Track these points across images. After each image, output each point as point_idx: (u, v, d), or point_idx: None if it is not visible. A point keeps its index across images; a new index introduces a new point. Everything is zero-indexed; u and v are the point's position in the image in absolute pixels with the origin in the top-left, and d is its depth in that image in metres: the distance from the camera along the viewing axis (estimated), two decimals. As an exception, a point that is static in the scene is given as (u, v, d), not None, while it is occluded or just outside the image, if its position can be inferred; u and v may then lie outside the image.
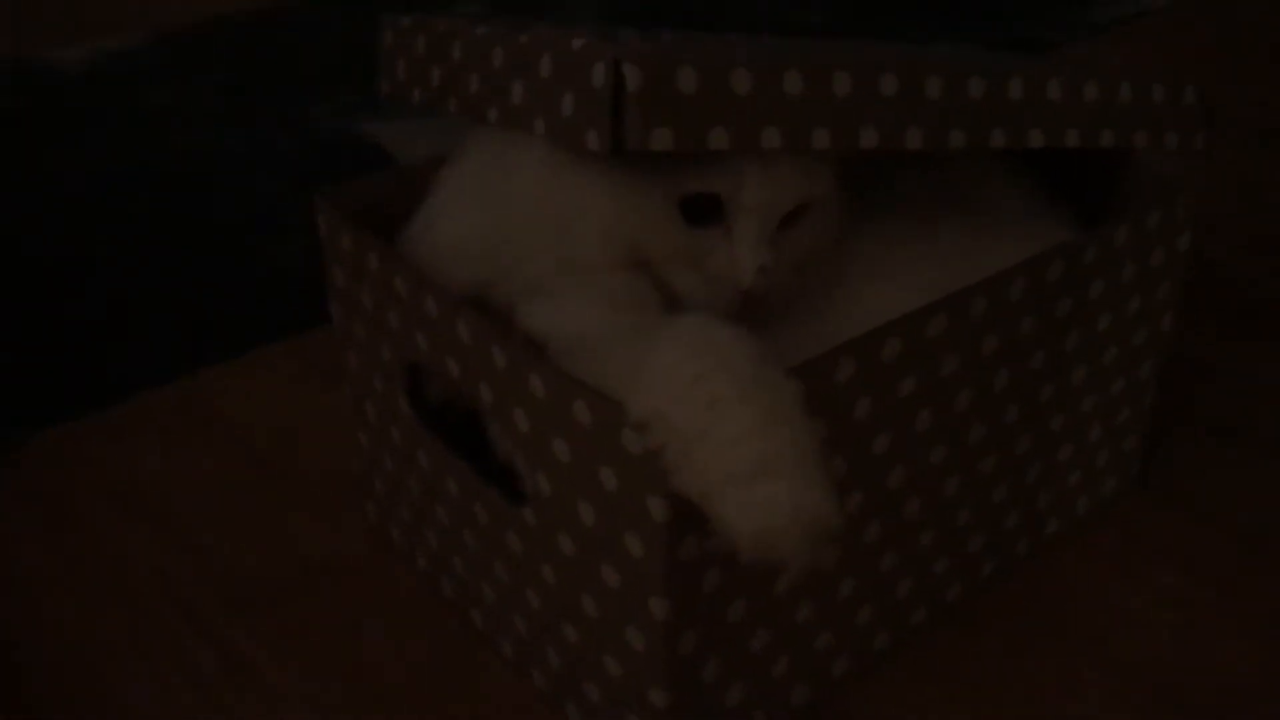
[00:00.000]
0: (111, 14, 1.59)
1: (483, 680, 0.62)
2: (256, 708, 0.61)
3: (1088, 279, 0.62)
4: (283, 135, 1.26)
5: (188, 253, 1.03)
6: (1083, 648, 0.64)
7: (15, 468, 0.78)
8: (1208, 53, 1.47)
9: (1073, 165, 0.72)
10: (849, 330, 0.52)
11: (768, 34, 1.29)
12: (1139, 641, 0.65)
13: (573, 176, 0.55)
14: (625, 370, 0.47)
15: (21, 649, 0.65)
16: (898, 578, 0.61)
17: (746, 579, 0.52)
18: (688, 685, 0.53)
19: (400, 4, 1.64)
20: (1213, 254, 1.01)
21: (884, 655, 0.63)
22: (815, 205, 0.57)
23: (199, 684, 0.62)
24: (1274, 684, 0.62)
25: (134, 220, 1.09)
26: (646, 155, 0.49)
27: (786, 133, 0.51)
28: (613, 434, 0.47)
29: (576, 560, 0.53)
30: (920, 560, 0.62)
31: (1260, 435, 0.80)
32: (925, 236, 0.63)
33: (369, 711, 0.61)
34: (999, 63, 0.65)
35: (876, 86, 0.53)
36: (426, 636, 0.65)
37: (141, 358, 0.89)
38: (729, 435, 0.44)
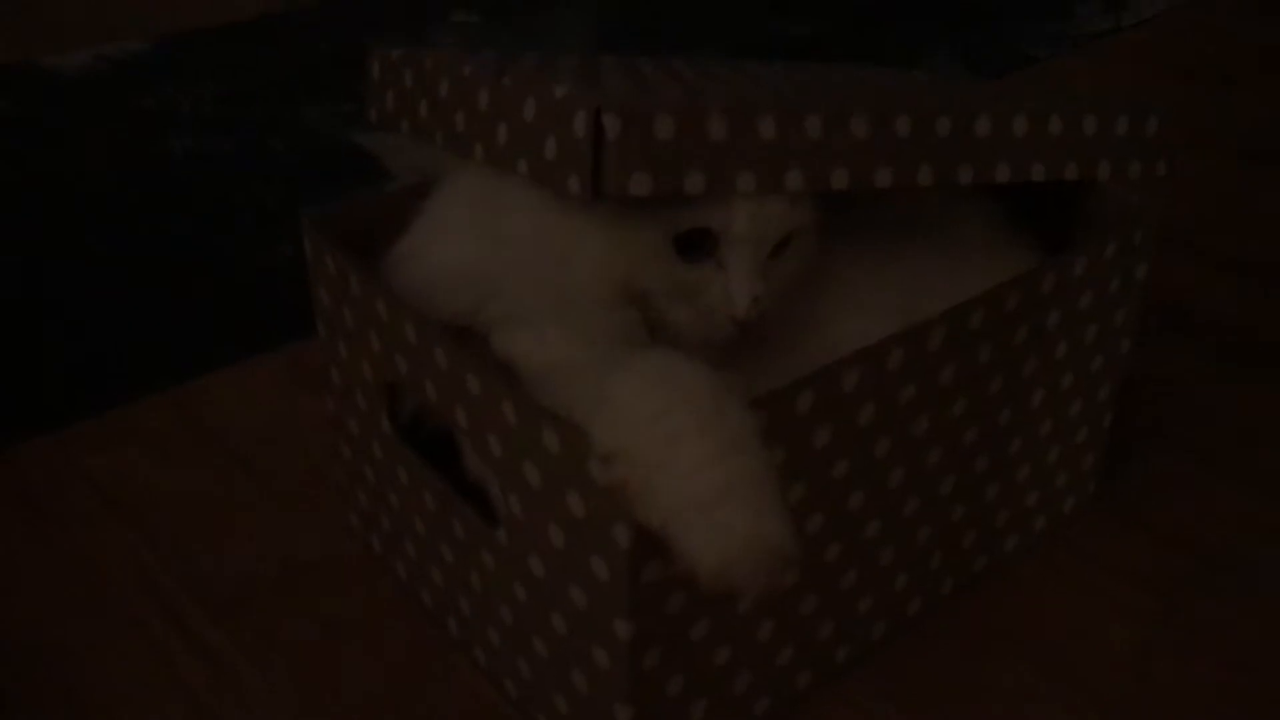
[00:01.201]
0: (111, 20, 1.60)
1: (458, 687, 0.65)
2: (236, 711, 0.63)
3: (1045, 308, 0.64)
4: (278, 142, 1.27)
5: (181, 259, 1.05)
6: (1039, 662, 0.67)
7: (5, 474, 0.80)
8: (1189, 67, 1.50)
9: (1036, 191, 0.74)
10: (818, 358, 0.55)
11: (749, 56, 1.32)
12: (1093, 657, 0.67)
13: (566, 215, 0.56)
14: (590, 402, 0.49)
15: (4, 652, 0.67)
16: (859, 594, 0.63)
17: (709, 600, 0.54)
18: (651, 701, 0.55)
19: (396, 13, 1.66)
20: (1185, 274, 1.03)
21: (845, 668, 0.65)
22: (800, 233, 0.59)
23: (180, 687, 0.65)
24: (1227, 700, 0.65)
25: (128, 226, 1.11)
26: (637, 204, 0.51)
27: (761, 175, 0.54)
28: (580, 462, 0.49)
29: (546, 581, 0.55)
30: (880, 577, 0.64)
31: (1221, 454, 0.82)
32: (892, 264, 0.65)
33: (347, 715, 0.63)
34: (969, 94, 0.67)
35: (848, 128, 0.55)
36: (405, 643, 0.67)
37: (133, 364, 0.91)
38: (688, 466, 0.46)
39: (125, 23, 1.59)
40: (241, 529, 0.75)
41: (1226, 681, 0.66)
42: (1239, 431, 0.85)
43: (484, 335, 0.58)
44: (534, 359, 0.55)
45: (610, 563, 0.51)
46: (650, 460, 0.46)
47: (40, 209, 1.14)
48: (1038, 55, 1.53)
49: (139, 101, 1.37)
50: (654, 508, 0.46)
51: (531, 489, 0.53)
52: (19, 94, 1.39)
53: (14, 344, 0.93)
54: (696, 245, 0.56)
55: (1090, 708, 0.64)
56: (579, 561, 0.52)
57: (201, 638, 0.68)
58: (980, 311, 0.60)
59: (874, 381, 0.56)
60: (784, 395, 0.52)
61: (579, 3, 1.68)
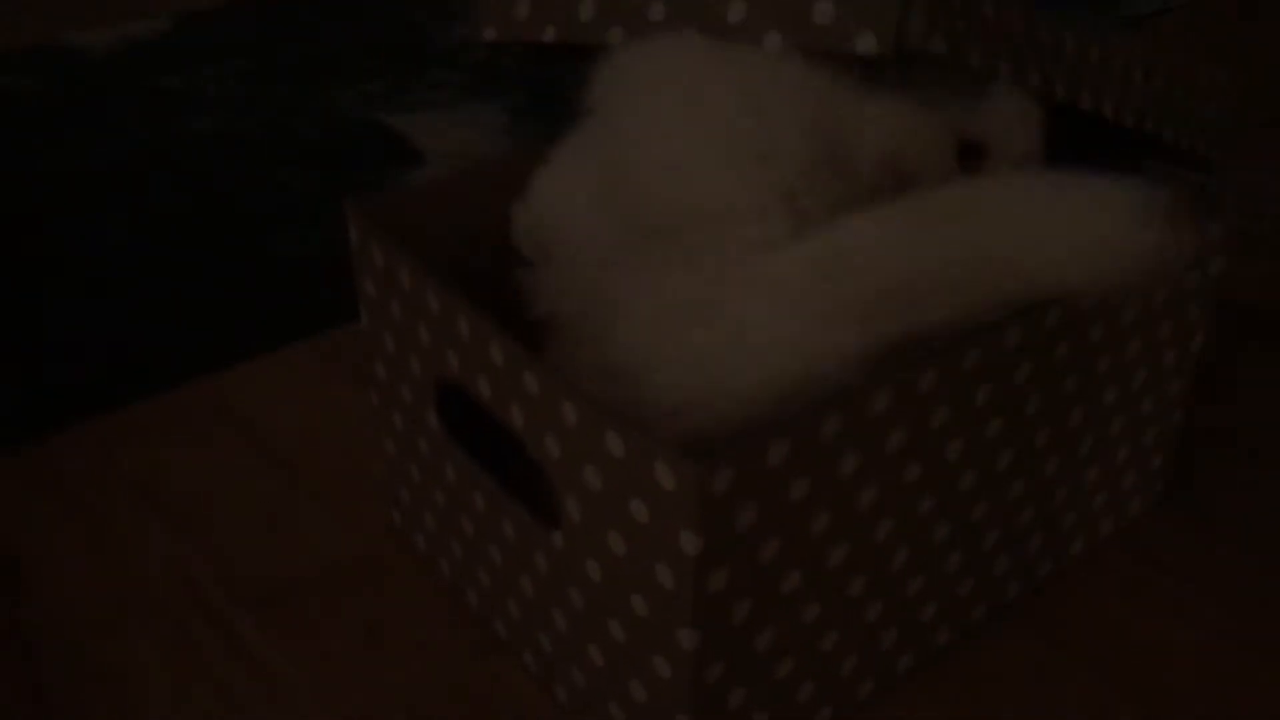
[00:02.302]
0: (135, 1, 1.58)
1: (504, 693, 0.62)
2: (271, 708, 0.61)
3: (1119, 304, 0.61)
4: (306, 123, 1.25)
5: (211, 243, 1.03)
6: (1102, 669, 0.64)
7: (41, 464, 0.78)
8: (1232, 47, 1.46)
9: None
10: None
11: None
12: (1158, 663, 0.65)
13: (854, 108, 0.55)
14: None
15: (41, 642, 0.65)
16: (923, 601, 0.61)
17: (776, 609, 0.52)
18: (713, 713, 0.53)
19: (422, -15, 1.63)
20: (1265, 270, 1.00)
21: (908, 676, 0.63)
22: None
23: (215, 682, 0.63)
24: (1297, 713, 0.62)
25: (156, 210, 1.09)
26: (925, 94, 0.53)
27: (1011, 69, 0.54)
28: (645, 466, 0.47)
29: (604, 586, 0.53)
30: (946, 583, 0.62)
31: (1286, 453, 0.80)
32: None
33: (387, 714, 0.61)
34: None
35: (1062, 45, 0.56)
36: (449, 646, 0.65)
37: (162, 352, 0.89)
38: None
39: (152, 1, 1.57)
40: (280, 525, 0.73)
41: (1304, 693, 0.63)
42: (1306, 429, 0.82)
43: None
44: None
45: (675, 570, 0.48)
46: None
47: (66, 191, 1.12)
48: (1082, 37, 1.49)
49: (164, 81, 1.35)
50: None
51: (592, 493, 0.51)
52: (44, 73, 1.37)
53: (44, 330, 0.91)
54: (967, 157, 0.56)
55: (1158, 717, 0.62)
56: (641, 568, 0.50)
57: (240, 636, 0.66)
58: (1056, 309, 0.57)
59: (949, 382, 0.54)
60: (859, 394, 0.50)
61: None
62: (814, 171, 0.54)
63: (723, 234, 0.53)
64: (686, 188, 0.53)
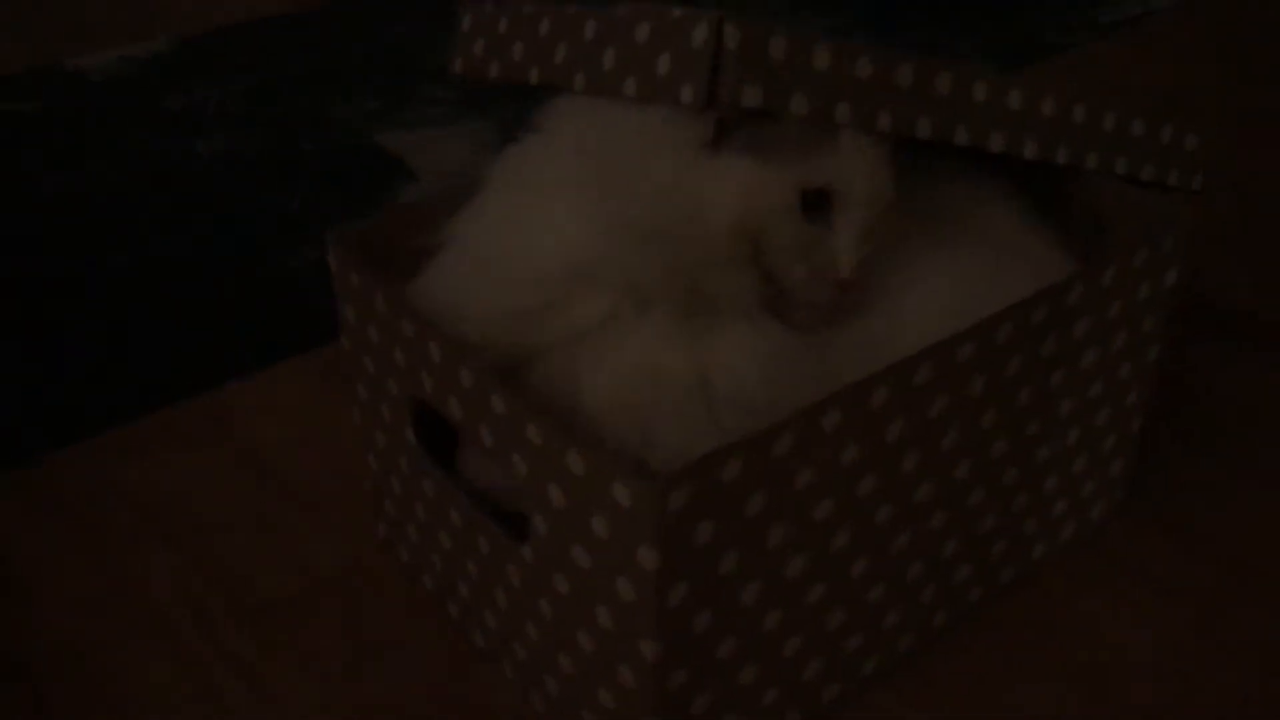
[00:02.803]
0: (136, 19, 1.61)
1: (484, 701, 0.65)
2: (261, 716, 0.64)
3: (1073, 318, 0.63)
4: (303, 142, 1.28)
5: (209, 261, 1.06)
6: (1064, 671, 0.66)
7: (41, 481, 0.81)
8: (1212, 53, 1.48)
9: (1060, 188, 0.73)
10: (897, 340, 0.58)
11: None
12: (1116, 664, 0.67)
13: (699, 173, 0.58)
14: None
15: (39, 656, 0.67)
16: (885, 607, 0.63)
17: (737, 618, 0.54)
18: (679, 719, 0.55)
19: (423, 6, 1.66)
20: (1226, 272, 1.02)
21: (873, 680, 0.65)
22: (890, 209, 0.61)
23: (212, 696, 0.65)
24: (1250, 710, 0.64)
25: (155, 228, 1.12)
26: (767, 150, 0.56)
27: (857, 111, 0.56)
28: (604, 484, 0.49)
29: (572, 599, 0.55)
30: (907, 590, 0.64)
31: (1260, 458, 0.81)
32: (947, 255, 0.65)
33: (376, 729, 0.64)
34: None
35: (932, 83, 0.58)
36: (432, 655, 0.67)
37: (164, 369, 0.92)
38: None
39: (150, 21, 1.59)
40: (272, 538, 0.76)
41: (1259, 693, 0.65)
42: (1277, 435, 0.84)
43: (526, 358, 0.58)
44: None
45: (636, 585, 0.51)
46: None
47: (67, 212, 1.14)
48: (1063, 43, 1.51)
49: (165, 102, 1.37)
50: None
51: (556, 509, 0.53)
52: (46, 96, 1.40)
53: (45, 349, 0.94)
54: (815, 204, 0.58)
55: (1115, 717, 0.64)
56: (604, 582, 0.52)
57: (233, 647, 0.68)
58: (1009, 324, 0.59)
59: (902, 396, 0.56)
60: (811, 413, 0.52)
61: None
62: (662, 243, 0.58)
63: (571, 314, 0.58)
64: (543, 264, 0.58)
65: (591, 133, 0.59)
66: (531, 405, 0.53)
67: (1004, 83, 0.61)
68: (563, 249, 0.58)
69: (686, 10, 0.54)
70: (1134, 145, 0.67)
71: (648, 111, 0.57)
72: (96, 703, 0.65)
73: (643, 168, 0.58)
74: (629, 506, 0.49)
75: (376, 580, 0.72)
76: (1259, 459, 0.81)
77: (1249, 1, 1.64)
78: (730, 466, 0.50)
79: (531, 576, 0.58)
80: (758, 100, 0.53)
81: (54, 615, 0.71)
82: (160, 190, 1.18)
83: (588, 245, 0.58)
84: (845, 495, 0.56)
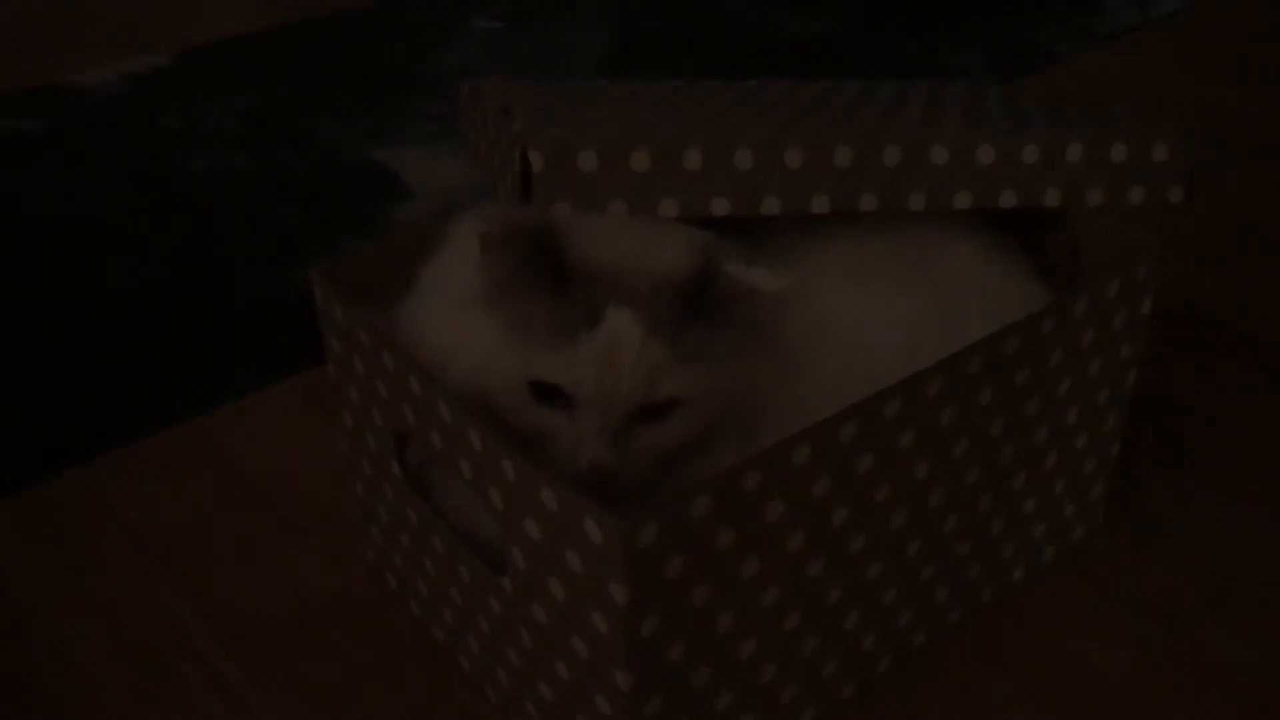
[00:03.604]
0: (136, 36, 1.62)
1: (470, 724, 0.66)
2: (257, 750, 0.65)
3: (1047, 349, 0.64)
4: (298, 160, 1.29)
5: (200, 280, 1.07)
6: (1039, 694, 0.67)
7: (36, 511, 0.82)
8: (1211, 62, 1.48)
9: (1041, 218, 0.74)
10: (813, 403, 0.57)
11: (766, 55, 1.31)
12: (1092, 687, 0.68)
13: (455, 325, 0.60)
14: None
15: (30, 679, 0.69)
16: (862, 633, 0.64)
17: (711, 647, 0.56)
18: (654, 746, 0.56)
19: (417, 21, 1.67)
20: (1207, 285, 1.03)
21: (849, 704, 0.66)
22: (689, 403, 0.58)
23: (195, 717, 0.67)
24: (1223, 734, 0.65)
25: (147, 247, 1.13)
26: (507, 334, 0.57)
27: (684, 203, 0.59)
28: (576, 521, 0.51)
29: (549, 629, 0.56)
30: (883, 616, 0.65)
31: (1239, 477, 0.82)
32: (891, 304, 0.66)
33: (362, 755, 0.65)
34: (943, 115, 0.69)
35: (780, 159, 0.60)
36: (419, 680, 0.69)
37: (157, 391, 0.93)
38: None
39: (149, 37, 1.61)
40: (261, 563, 0.77)
41: (1235, 716, 0.66)
42: (1262, 453, 0.84)
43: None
44: None
45: (608, 618, 0.52)
46: None
47: (64, 231, 1.16)
48: (1062, 52, 1.52)
49: (162, 119, 1.39)
50: None
51: (532, 543, 0.54)
52: (45, 114, 1.41)
53: (37, 370, 0.95)
54: (552, 394, 0.57)
55: (1094, 742, 0.65)
56: (579, 614, 0.53)
57: (220, 673, 0.69)
58: (978, 358, 0.60)
59: (872, 431, 0.57)
60: (781, 450, 0.53)
61: (597, 6, 1.68)
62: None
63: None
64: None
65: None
66: (506, 443, 0.54)
67: (875, 140, 0.61)
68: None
69: (523, 124, 0.60)
70: (1085, 171, 0.66)
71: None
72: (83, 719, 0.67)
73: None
74: (599, 543, 0.50)
75: (364, 606, 0.74)
76: (1243, 480, 0.82)
77: (1247, 11, 1.64)
78: (699, 503, 0.51)
79: (511, 606, 0.59)
80: (568, 210, 0.58)
81: (45, 639, 0.72)
82: (157, 209, 1.20)
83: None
84: (817, 527, 0.57)
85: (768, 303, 0.59)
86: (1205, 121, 1.33)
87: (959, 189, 0.63)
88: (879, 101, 0.74)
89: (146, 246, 1.13)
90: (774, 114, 0.68)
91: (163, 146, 1.33)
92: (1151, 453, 0.84)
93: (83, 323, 1.02)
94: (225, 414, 0.90)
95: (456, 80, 1.46)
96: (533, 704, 0.62)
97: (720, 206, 0.60)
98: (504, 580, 0.58)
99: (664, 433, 0.58)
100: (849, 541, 0.60)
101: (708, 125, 0.63)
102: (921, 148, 0.62)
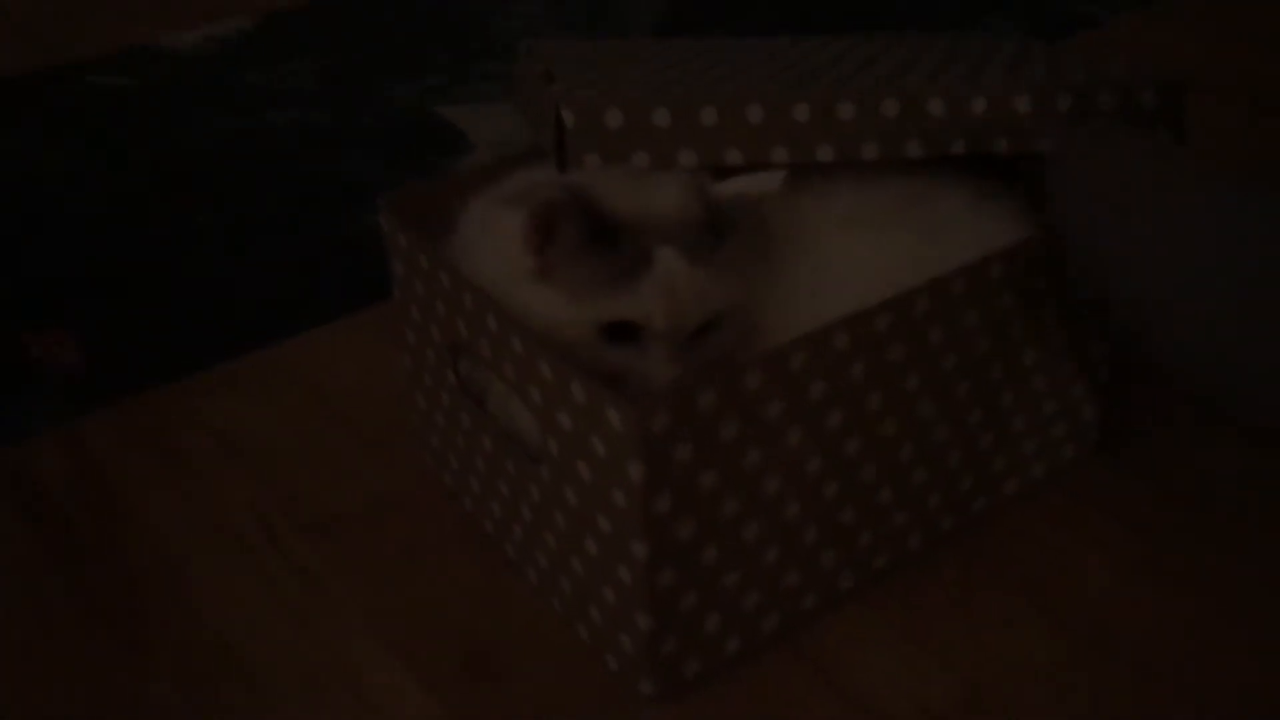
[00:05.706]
0: (223, 1, 1.74)
1: (515, 603, 0.75)
2: (324, 617, 0.75)
3: (1033, 275, 0.71)
4: (369, 115, 1.39)
5: (282, 222, 1.18)
6: (1025, 594, 0.75)
7: (135, 417, 0.93)
8: (1248, 29, 1.52)
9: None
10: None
11: (800, 18, 1.38)
12: (1074, 592, 0.75)
13: (527, 293, 0.66)
14: None
15: (133, 568, 0.79)
16: (859, 529, 0.72)
17: (718, 528, 0.64)
18: (668, 613, 0.65)
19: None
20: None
21: (849, 595, 0.75)
22: (731, 313, 0.67)
23: (277, 596, 0.76)
24: (1196, 640, 0.72)
25: (234, 193, 1.24)
26: (571, 295, 0.64)
27: (701, 154, 0.67)
28: (600, 411, 0.59)
29: (579, 509, 0.65)
30: (879, 514, 0.73)
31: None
32: (879, 232, 0.73)
33: (419, 621, 0.74)
34: (947, 66, 0.76)
35: (789, 113, 0.68)
36: (470, 566, 0.78)
37: (243, 320, 1.03)
38: None
39: (234, 1, 1.72)
40: (334, 466, 0.87)
41: (1198, 622, 0.73)
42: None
43: None
44: None
45: (627, 494, 0.60)
46: None
47: (160, 178, 1.27)
48: (1097, 15, 1.56)
49: (246, 77, 1.49)
50: None
51: (565, 432, 0.63)
52: (140, 71, 1.52)
53: (139, 303, 1.06)
54: (620, 333, 0.65)
55: (1065, 637, 0.72)
56: (603, 493, 0.62)
57: (298, 559, 0.79)
58: (963, 280, 0.68)
59: (863, 342, 0.65)
60: (779, 353, 0.61)
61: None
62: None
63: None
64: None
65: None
66: (543, 345, 0.63)
67: (875, 95, 0.69)
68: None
69: (563, 85, 0.67)
70: (1075, 118, 0.72)
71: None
72: (183, 608, 0.77)
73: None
74: (619, 428, 0.58)
75: (423, 504, 0.83)
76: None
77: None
78: (705, 395, 0.59)
79: (547, 492, 0.68)
80: (596, 165, 0.66)
81: (146, 534, 0.83)
82: (241, 159, 1.30)
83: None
84: (814, 426, 0.65)
85: (769, 203, 0.68)
86: (1244, 86, 1.37)
87: (955, 138, 0.71)
88: (893, 56, 0.81)
89: (234, 192, 1.24)
90: (790, 70, 0.75)
91: (247, 103, 1.43)
92: (1141, 375, 0.90)
93: (181, 258, 1.13)
94: (303, 340, 1.01)
95: (516, 44, 1.55)
96: (567, 580, 0.71)
97: (734, 157, 0.68)
98: (542, 468, 0.67)
99: (717, 343, 0.67)
100: (844, 442, 0.68)
101: (727, 82, 0.71)
102: (919, 100, 0.69)
